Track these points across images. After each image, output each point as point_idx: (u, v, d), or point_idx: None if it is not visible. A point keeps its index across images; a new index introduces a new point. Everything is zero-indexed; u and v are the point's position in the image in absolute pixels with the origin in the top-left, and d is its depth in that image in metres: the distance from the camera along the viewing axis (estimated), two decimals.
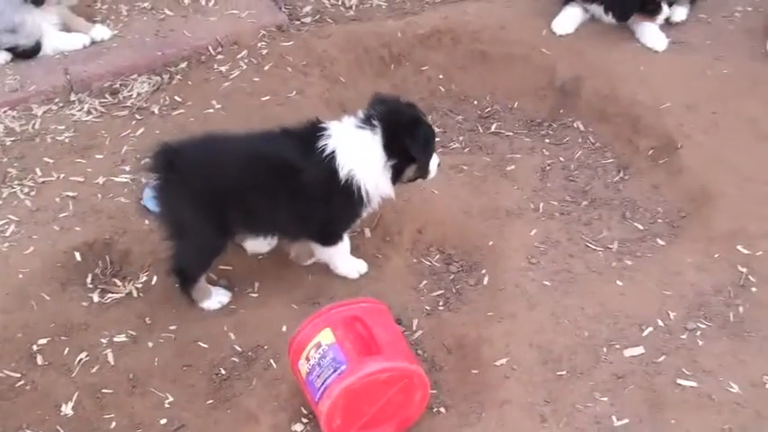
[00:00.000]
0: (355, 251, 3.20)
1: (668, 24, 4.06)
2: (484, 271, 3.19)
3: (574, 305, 3.01)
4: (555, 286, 3.09)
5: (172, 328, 3.04)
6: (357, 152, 2.87)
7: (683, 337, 2.89)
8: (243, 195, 2.86)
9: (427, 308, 3.10)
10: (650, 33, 3.91)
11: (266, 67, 3.97)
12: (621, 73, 3.80)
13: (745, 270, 3.06)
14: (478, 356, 2.88)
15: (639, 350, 2.86)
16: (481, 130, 3.84)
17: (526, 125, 3.87)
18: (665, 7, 3.88)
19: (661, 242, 3.27)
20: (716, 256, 3.12)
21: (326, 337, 2.66)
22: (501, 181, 3.55)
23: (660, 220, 3.36)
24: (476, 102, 3.98)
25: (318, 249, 3.12)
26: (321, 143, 2.86)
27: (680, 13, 4.11)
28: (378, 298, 2.93)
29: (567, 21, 4.03)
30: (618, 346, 2.87)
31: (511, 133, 3.82)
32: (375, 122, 2.88)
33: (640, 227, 3.34)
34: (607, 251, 3.24)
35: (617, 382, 2.77)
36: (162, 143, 2.90)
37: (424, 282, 3.20)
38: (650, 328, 2.92)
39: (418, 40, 4.11)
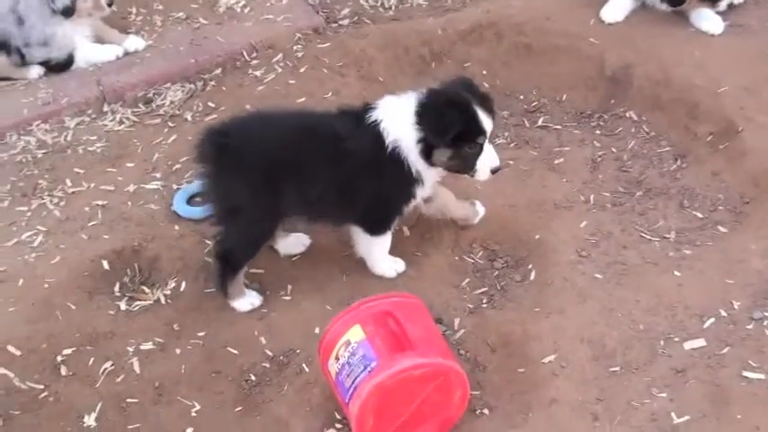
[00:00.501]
0: (393, 250, 3.08)
1: (730, 7, 3.85)
2: (530, 266, 3.04)
3: (628, 297, 2.85)
4: (607, 279, 2.93)
5: (200, 334, 2.95)
6: (400, 123, 2.79)
7: (750, 327, 2.70)
8: (295, 171, 2.80)
9: (470, 306, 2.96)
10: (706, 16, 3.75)
11: (302, 70, 3.91)
12: (675, 58, 3.64)
13: None
14: (525, 354, 2.73)
15: (700, 342, 2.68)
16: (528, 125, 3.71)
17: (575, 117, 3.72)
18: None
19: (723, 229, 3.09)
20: None
21: (356, 333, 2.55)
22: (548, 174, 3.41)
23: (721, 207, 3.18)
24: (522, 96, 3.86)
25: (360, 241, 3.02)
26: (369, 115, 2.81)
27: None
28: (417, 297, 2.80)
29: (617, 8, 3.89)
30: (677, 339, 2.70)
31: (559, 126, 3.68)
32: (420, 97, 2.81)
33: (700, 215, 3.17)
34: (664, 241, 3.07)
35: (676, 376, 2.60)
36: (208, 127, 2.87)
37: (467, 279, 3.07)
38: (712, 319, 2.73)
39: (459, 36, 4.01)
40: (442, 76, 3.91)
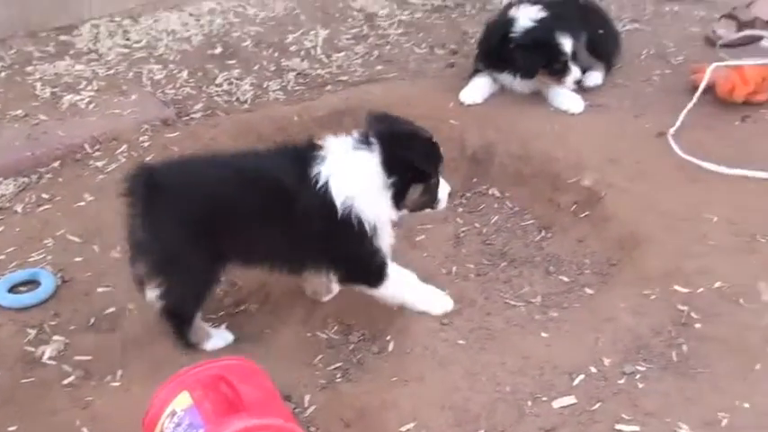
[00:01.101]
0: (238, 329, 2.86)
1: (583, 90, 3.91)
2: (389, 337, 2.86)
3: (493, 361, 2.68)
4: (470, 344, 2.78)
5: (12, 429, 2.63)
6: (353, 177, 2.65)
7: (621, 381, 2.57)
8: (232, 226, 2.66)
9: (322, 381, 2.74)
10: (564, 96, 3.77)
11: (148, 158, 3.75)
12: (535, 133, 3.64)
13: (686, 308, 2.79)
14: (381, 425, 2.52)
15: (570, 400, 2.52)
16: None
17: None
18: (573, 68, 3.74)
19: (590, 291, 3.00)
20: (652, 298, 2.85)
21: (183, 401, 2.30)
22: (409, 251, 3.29)
23: (588, 271, 3.10)
24: None
25: (380, 297, 2.86)
26: (315, 169, 2.65)
27: (595, 78, 4.01)
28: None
29: (476, 90, 3.91)
30: (545, 398, 2.53)
31: None
32: (372, 141, 2.69)
33: (566, 279, 3.08)
34: (529, 305, 2.96)
35: None
36: (140, 165, 2.69)
37: (320, 356, 2.87)
38: (582, 376, 2.59)
39: (316, 122, 3.94)
40: None
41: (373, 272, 2.79)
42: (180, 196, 2.65)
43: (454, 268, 3.16)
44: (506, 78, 3.93)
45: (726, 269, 2.90)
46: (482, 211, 3.53)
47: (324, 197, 2.64)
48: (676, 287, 2.87)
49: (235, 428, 2.18)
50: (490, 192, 3.62)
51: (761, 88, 3.68)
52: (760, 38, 3.93)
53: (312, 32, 4.80)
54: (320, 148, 2.70)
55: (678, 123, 3.55)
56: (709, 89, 3.72)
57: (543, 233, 3.34)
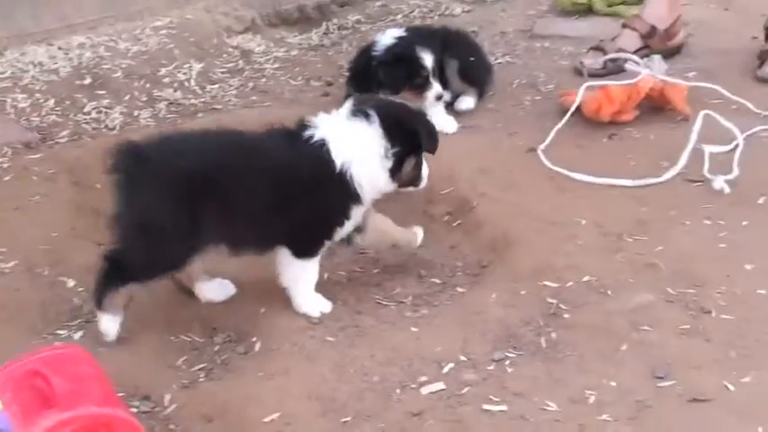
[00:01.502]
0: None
1: (456, 113, 4.01)
2: (255, 338, 2.82)
3: (362, 354, 2.68)
4: (340, 340, 2.76)
5: None
6: (352, 142, 2.78)
7: (491, 368, 2.60)
8: (220, 191, 2.68)
9: (185, 381, 2.66)
10: (438, 116, 3.84)
11: (6, 178, 3.65)
12: None
13: (554, 301, 2.86)
14: (244, 417, 2.46)
15: (439, 386, 2.53)
16: None
17: None
18: (434, 83, 3.84)
19: (461, 290, 3.03)
20: (522, 293, 2.90)
21: None
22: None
23: (460, 273, 3.14)
24: None
25: (285, 269, 2.86)
26: (308, 134, 2.78)
27: (467, 102, 4.12)
28: (126, 382, 2.50)
29: None
30: (413, 386, 2.53)
31: None
32: (370, 112, 2.81)
33: (438, 281, 3.11)
34: (400, 305, 2.97)
35: (413, 419, 2.40)
36: (126, 139, 2.74)
37: (184, 357, 2.80)
38: (451, 365, 2.61)
39: None
40: None
41: (317, 241, 2.86)
42: (165, 169, 2.67)
43: (326, 275, 3.13)
44: None
45: (594, 265, 2.98)
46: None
47: (319, 156, 2.76)
48: (546, 282, 2.93)
49: (43, 428, 2.06)
50: None
51: (626, 108, 3.82)
52: (624, 64, 4.09)
53: (186, 66, 4.78)
54: (312, 121, 2.84)
55: (548, 140, 3.65)
56: (578, 110, 3.84)
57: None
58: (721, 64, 4.30)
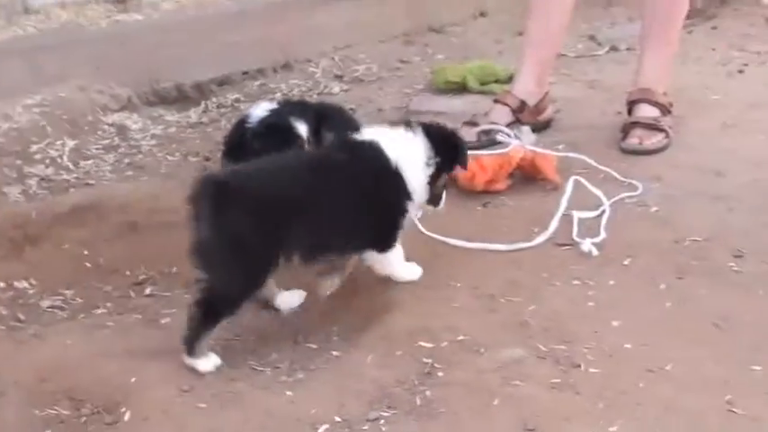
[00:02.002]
0: None
1: None
2: (124, 409, 2.76)
3: (235, 420, 2.66)
4: (212, 407, 2.73)
5: None
6: (400, 146, 3.13)
7: (365, 427, 2.61)
8: (304, 207, 2.95)
9: None
10: None
11: None
12: None
13: (430, 360, 2.89)
14: None
15: None
16: (134, 295, 3.54)
17: (186, 285, 3.60)
18: None
19: (337, 353, 3.03)
20: (398, 353, 2.94)
21: None
22: (152, 333, 3.23)
23: (336, 338, 3.15)
24: (128, 272, 3.69)
25: (378, 264, 3.24)
26: (361, 138, 3.16)
27: None
28: None
29: None
30: None
31: (169, 293, 3.54)
32: (414, 125, 3.22)
33: (314, 345, 3.11)
34: (276, 370, 2.97)
35: None
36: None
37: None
38: (326, 426, 2.61)
39: (56, 219, 3.87)
40: (39, 258, 3.73)
41: (393, 235, 3.20)
42: (250, 194, 2.89)
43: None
44: None
45: (468, 325, 3.05)
46: None
47: (379, 155, 3.11)
48: (422, 343, 2.97)
49: None
50: None
51: (498, 177, 3.96)
52: (496, 136, 4.25)
53: (59, 142, 4.74)
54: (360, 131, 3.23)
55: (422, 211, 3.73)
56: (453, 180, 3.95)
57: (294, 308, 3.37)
58: (588, 137, 4.50)
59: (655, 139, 4.38)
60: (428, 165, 3.17)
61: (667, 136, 4.40)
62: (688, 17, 5.92)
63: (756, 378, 2.76)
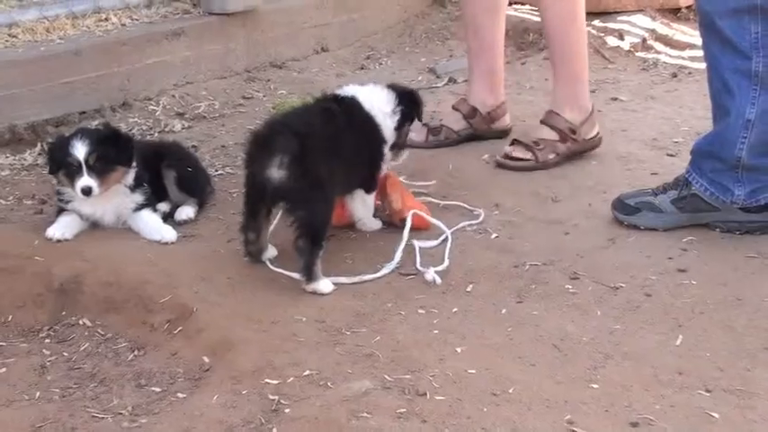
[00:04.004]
0: None
1: (177, 224, 4.04)
2: None
3: None
4: None
5: None
6: (373, 98, 3.82)
7: None
8: (336, 149, 3.56)
9: None
10: (152, 225, 3.85)
11: None
12: (127, 261, 3.66)
13: (276, 397, 2.88)
14: None
15: None
16: None
17: (23, 334, 3.51)
18: (87, 176, 3.81)
19: (182, 395, 2.99)
20: (244, 392, 2.92)
21: None
22: None
23: (181, 379, 3.11)
24: None
25: (358, 206, 3.87)
26: (343, 94, 3.84)
27: (187, 212, 4.15)
28: None
29: (63, 226, 3.89)
30: None
31: (4, 343, 3.41)
32: (381, 84, 3.94)
33: (158, 389, 3.06)
34: (118, 416, 2.91)
35: None
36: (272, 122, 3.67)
37: None
38: None
39: None
40: None
41: (375, 178, 3.85)
42: (311, 140, 3.45)
43: (38, 393, 3.01)
44: (95, 212, 3.93)
45: (314, 359, 3.06)
46: (71, 341, 3.43)
47: (361, 109, 3.77)
48: (267, 380, 2.96)
49: None
50: (81, 322, 3.53)
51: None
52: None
53: None
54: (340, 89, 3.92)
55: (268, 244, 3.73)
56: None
57: (136, 352, 3.31)
58: (429, 166, 4.58)
59: (520, 156, 4.56)
60: (394, 113, 3.80)
61: (537, 160, 4.54)
62: (521, 49, 6.23)
63: (595, 396, 2.87)
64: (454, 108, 4.92)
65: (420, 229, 3.92)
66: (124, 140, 4.00)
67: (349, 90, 3.85)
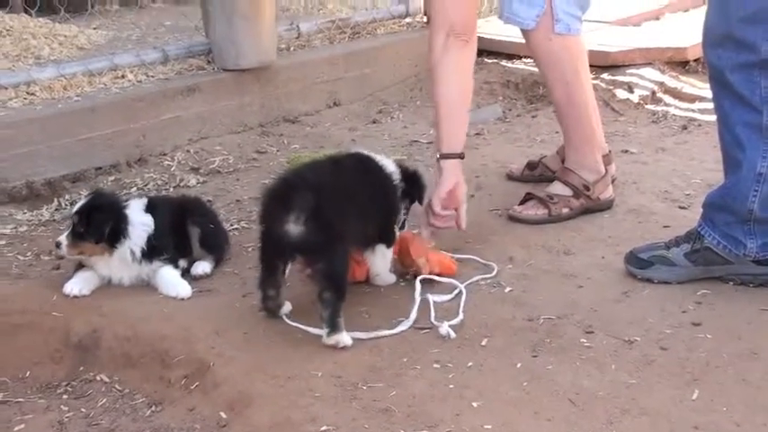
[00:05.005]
0: None
1: (194, 279, 4.07)
2: None
3: None
4: None
5: None
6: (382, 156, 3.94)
7: None
8: (355, 203, 3.62)
9: None
10: (170, 281, 3.89)
11: None
12: (143, 316, 3.69)
13: None
14: None
15: None
16: None
17: (41, 390, 3.53)
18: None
19: None
20: None
21: None
22: None
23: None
24: None
25: (377, 260, 3.90)
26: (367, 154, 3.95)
27: (204, 267, 4.18)
28: None
29: (81, 282, 3.92)
30: None
31: (22, 399, 3.43)
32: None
33: None
34: None
35: None
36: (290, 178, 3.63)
37: None
38: None
39: None
40: None
41: (395, 233, 3.91)
42: (326, 193, 3.48)
43: None
44: (112, 270, 3.98)
45: (331, 415, 3.06)
46: (89, 396, 3.46)
47: (383, 169, 3.87)
48: None
49: None
50: (98, 377, 3.56)
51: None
52: None
53: None
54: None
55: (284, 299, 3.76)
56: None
57: (154, 408, 3.34)
58: None
59: (532, 212, 4.58)
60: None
61: (550, 213, 4.57)
62: (531, 102, 6.30)
63: None
64: (557, 152, 4.99)
65: (446, 275, 4.01)
66: (98, 214, 3.96)
67: (360, 149, 3.98)
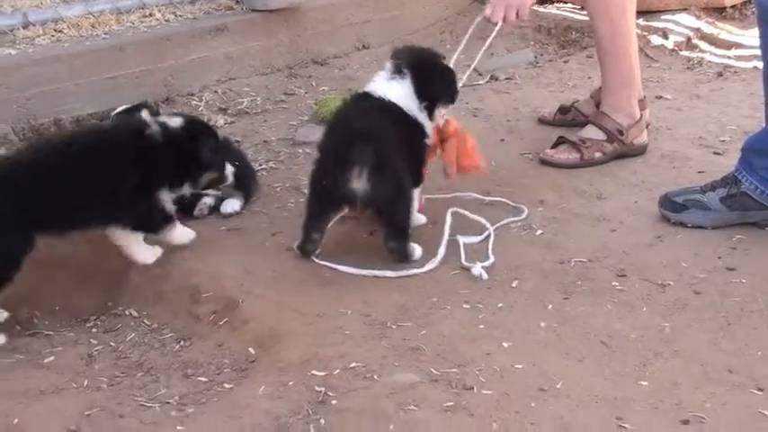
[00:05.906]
0: None
1: (223, 217, 4.04)
2: None
3: None
4: None
5: None
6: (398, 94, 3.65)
7: None
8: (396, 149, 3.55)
9: None
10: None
11: None
12: (173, 251, 3.66)
13: (323, 389, 2.88)
14: None
15: None
16: (16, 334, 3.42)
17: (70, 323, 3.54)
18: None
19: (229, 386, 3.00)
20: (291, 383, 2.92)
21: None
22: (36, 372, 3.13)
23: (227, 370, 3.12)
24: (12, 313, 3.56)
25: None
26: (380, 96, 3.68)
27: (233, 205, 4.16)
28: None
29: None
30: None
31: (52, 332, 3.44)
32: (404, 70, 3.70)
33: (204, 379, 3.07)
34: (166, 405, 2.91)
35: None
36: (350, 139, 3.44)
37: None
38: None
39: None
40: None
41: (422, 173, 3.80)
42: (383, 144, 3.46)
43: (86, 381, 3.04)
44: None
45: (360, 352, 3.05)
46: (118, 331, 3.45)
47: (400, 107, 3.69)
48: (314, 372, 2.96)
49: None
50: (127, 312, 3.56)
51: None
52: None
53: None
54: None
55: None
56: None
57: (182, 343, 3.32)
58: None
59: (564, 156, 4.50)
60: (420, 110, 3.69)
61: (582, 158, 4.51)
62: (563, 47, 6.20)
63: (644, 393, 2.84)
64: (591, 96, 4.91)
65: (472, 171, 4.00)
66: None
67: (379, 88, 3.71)
